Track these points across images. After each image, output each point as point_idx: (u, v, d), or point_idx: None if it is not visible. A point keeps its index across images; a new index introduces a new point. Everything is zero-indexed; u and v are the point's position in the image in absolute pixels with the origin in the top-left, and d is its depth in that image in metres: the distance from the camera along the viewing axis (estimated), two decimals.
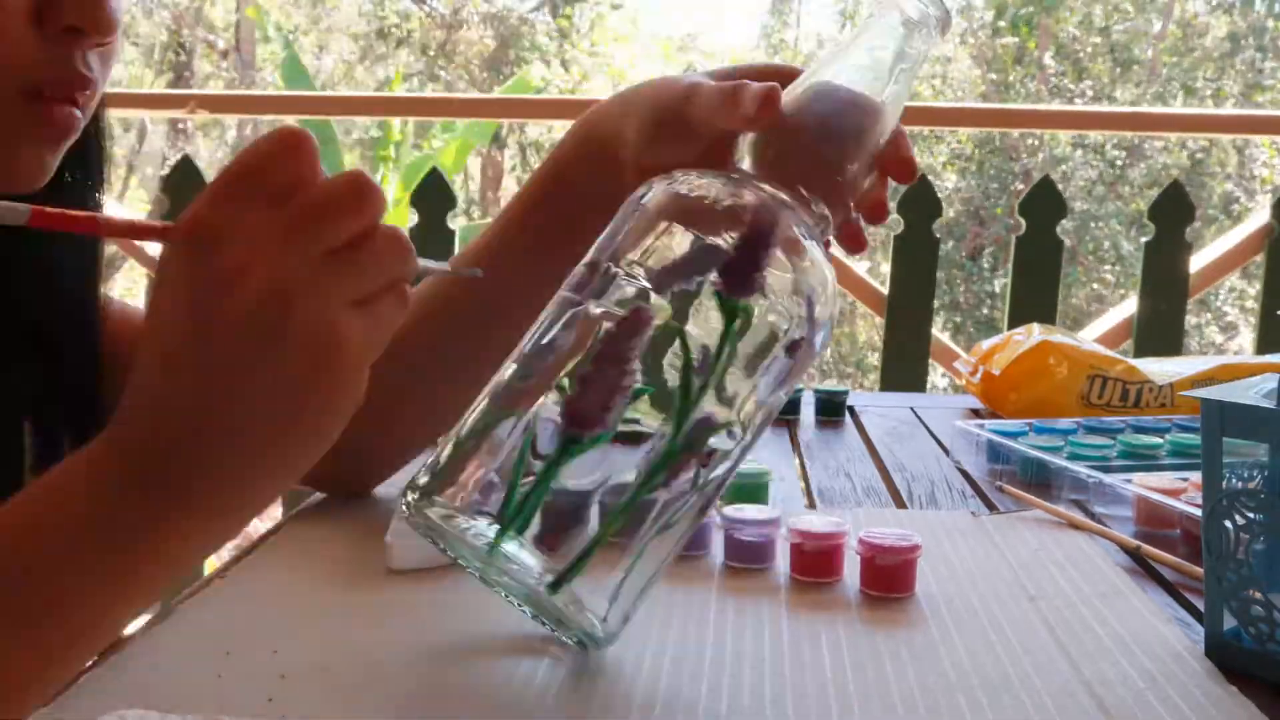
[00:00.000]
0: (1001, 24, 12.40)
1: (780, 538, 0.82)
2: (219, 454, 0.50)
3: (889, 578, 0.76)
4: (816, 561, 0.79)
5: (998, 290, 10.65)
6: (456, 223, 2.65)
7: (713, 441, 0.60)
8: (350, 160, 8.39)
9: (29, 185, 0.66)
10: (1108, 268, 11.26)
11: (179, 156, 2.80)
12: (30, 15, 0.62)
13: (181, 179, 2.69)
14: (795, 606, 0.74)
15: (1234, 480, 0.62)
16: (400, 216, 8.12)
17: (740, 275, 0.60)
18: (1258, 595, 0.61)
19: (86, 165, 0.76)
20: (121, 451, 0.50)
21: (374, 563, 0.81)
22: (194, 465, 0.50)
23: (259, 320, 0.48)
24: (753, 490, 0.95)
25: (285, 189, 0.49)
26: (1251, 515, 0.61)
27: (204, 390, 0.49)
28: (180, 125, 11.77)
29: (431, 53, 13.26)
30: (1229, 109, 10.93)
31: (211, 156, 12.88)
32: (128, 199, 12.21)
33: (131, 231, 0.57)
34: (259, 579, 0.79)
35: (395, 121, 8.06)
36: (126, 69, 12.42)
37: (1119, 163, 11.65)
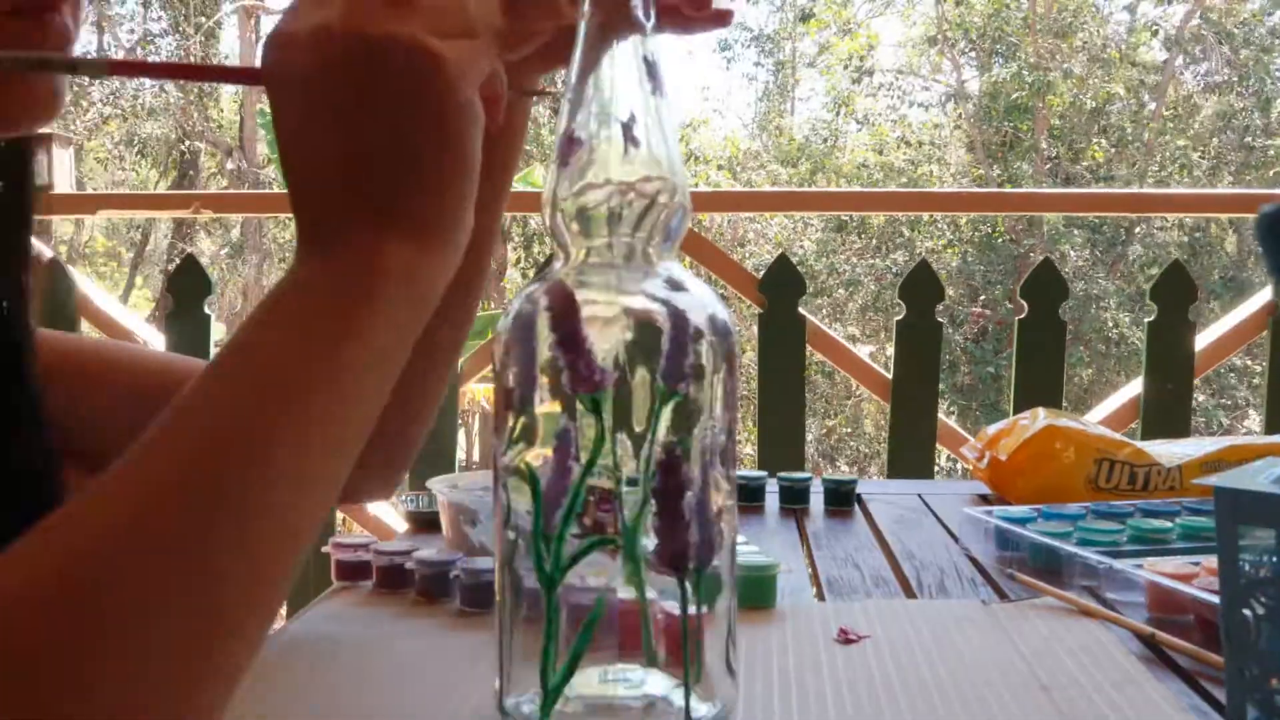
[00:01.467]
0: (995, 108, 12.54)
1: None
2: (379, 175, 0.54)
3: None
4: None
5: (1001, 372, 10.66)
6: None
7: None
8: None
9: (49, 112, 0.67)
10: (1109, 347, 11.27)
11: (183, 256, 2.81)
12: None
13: (185, 278, 2.70)
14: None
15: (1248, 567, 0.61)
16: None
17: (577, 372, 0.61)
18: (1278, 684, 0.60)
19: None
20: (312, 220, 0.55)
21: (380, 670, 0.80)
22: (370, 192, 0.54)
23: (352, 61, 0.53)
24: (761, 583, 0.95)
25: None
26: (1267, 602, 0.60)
27: (335, 132, 0.54)
28: (185, 224, 11.87)
29: None
30: (1223, 188, 11.01)
31: (215, 254, 12.99)
32: (133, 298, 12.29)
33: (217, 74, 0.63)
34: (261, 684, 0.78)
35: None
36: (132, 171, 12.56)
37: (1118, 242, 11.73)
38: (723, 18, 0.72)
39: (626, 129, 0.63)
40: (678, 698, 0.62)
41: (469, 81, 0.55)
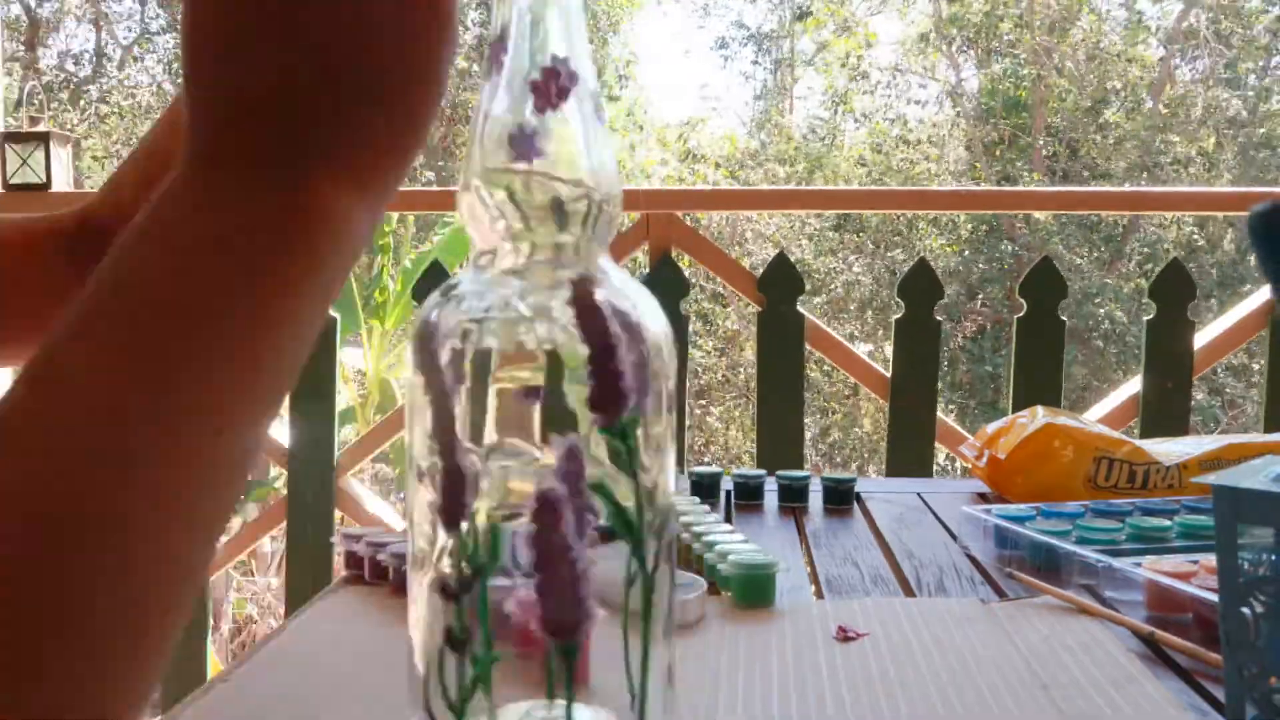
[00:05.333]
0: (993, 105, 12.54)
1: None
2: (329, 101, 0.43)
3: None
4: None
5: (1000, 370, 10.67)
6: None
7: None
8: None
9: None
10: (1108, 345, 11.27)
11: None
12: None
13: None
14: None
15: (1247, 565, 0.61)
16: (403, 310, 8.18)
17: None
18: (1277, 683, 0.60)
19: None
20: (223, 142, 0.42)
21: (380, 668, 0.80)
22: (316, 122, 0.42)
23: None
24: (760, 581, 0.95)
25: None
26: (1266, 601, 0.60)
27: (280, 38, 0.42)
28: None
29: (431, 145, 13.39)
30: (1221, 186, 11.01)
31: None
32: None
33: None
34: (261, 683, 0.78)
35: (393, 215, 8.11)
36: None
37: (1115, 240, 11.72)
38: None
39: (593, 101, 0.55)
40: None
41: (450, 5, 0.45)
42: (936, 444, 2.69)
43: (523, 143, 0.54)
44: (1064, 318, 2.64)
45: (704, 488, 1.40)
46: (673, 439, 0.56)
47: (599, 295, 0.52)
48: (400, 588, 0.99)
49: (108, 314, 0.39)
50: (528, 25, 0.55)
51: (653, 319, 0.54)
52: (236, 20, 0.42)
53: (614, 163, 0.57)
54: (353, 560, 1.06)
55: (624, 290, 0.54)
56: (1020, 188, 10.85)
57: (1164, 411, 2.61)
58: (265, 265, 0.41)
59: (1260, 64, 12.56)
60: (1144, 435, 2.46)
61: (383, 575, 1.02)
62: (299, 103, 0.42)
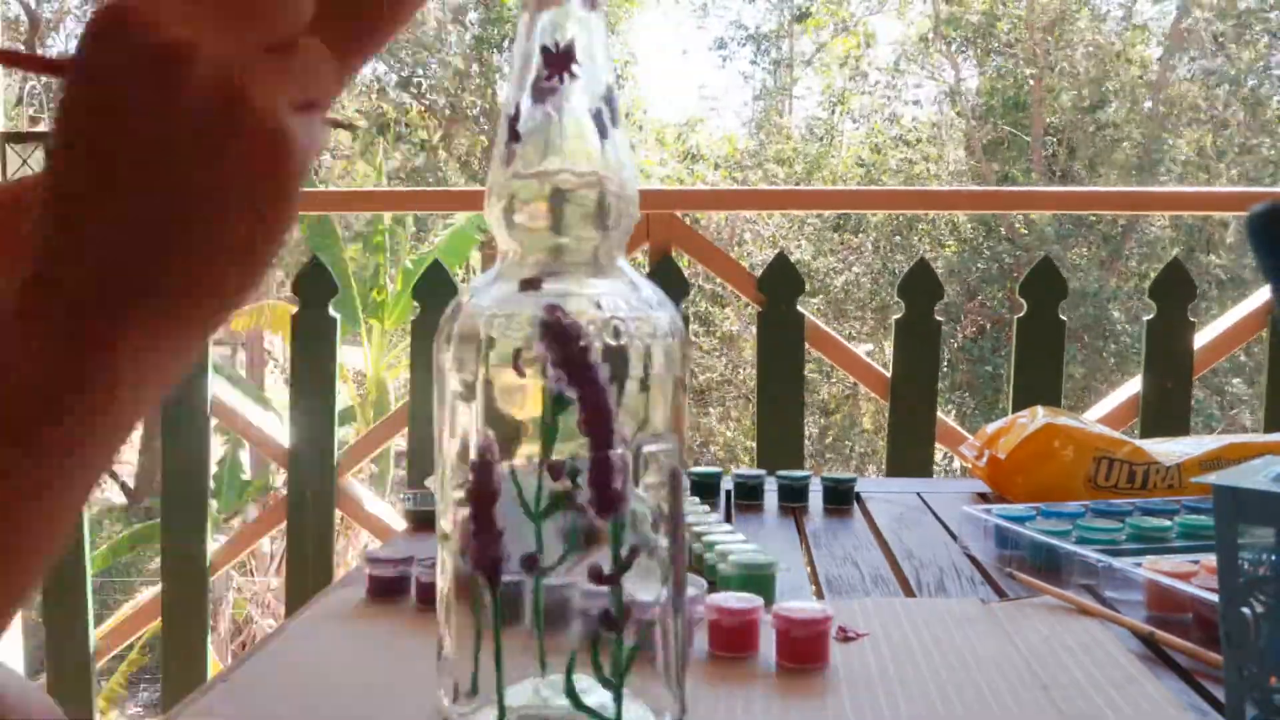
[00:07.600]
0: (992, 105, 12.54)
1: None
2: (178, 256, 0.44)
3: (803, 650, 0.79)
4: (733, 636, 0.82)
5: (1000, 370, 10.67)
6: None
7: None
8: (351, 254, 8.42)
9: None
10: (1107, 344, 11.27)
11: None
12: None
13: None
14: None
15: (1247, 565, 0.61)
16: (403, 310, 8.17)
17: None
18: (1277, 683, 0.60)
19: None
20: (61, 286, 0.43)
21: (380, 666, 0.80)
22: (155, 270, 0.44)
23: (213, 106, 0.42)
24: (759, 581, 0.95)
25: None
26: (1266, 601, 0.60)
27: (160, 188, 0.43)
28: None
29: (434, 142, 13.39)
30: (1220, 187, 11.01)
31: None
32: None
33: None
34: (261, 683, 0.78)
35: (386, 214, 8.13)
36: None
37: (1114, 240, 11.72)
38: None
39: (599, 117, 0.57)
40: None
41: (307, 169, 0.46)
42: (936, 444, 2.69)
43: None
44: (1064, 318, 2.64)
45: (704, 488, 1.40)
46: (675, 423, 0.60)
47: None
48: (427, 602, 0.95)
49: None
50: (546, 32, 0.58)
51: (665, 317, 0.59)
52: (71, 199, 0.43)
53: (630, 162, 0.59)
54: (381, 584, 0.98)
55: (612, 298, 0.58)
56: (1020, 188, 10.84)
57: (1164, 411, 2.61)
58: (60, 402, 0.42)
59: (1259, 65, 12.55)
60: (1144, 435, 2.45)
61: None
62: (123, 260, 0.43)
